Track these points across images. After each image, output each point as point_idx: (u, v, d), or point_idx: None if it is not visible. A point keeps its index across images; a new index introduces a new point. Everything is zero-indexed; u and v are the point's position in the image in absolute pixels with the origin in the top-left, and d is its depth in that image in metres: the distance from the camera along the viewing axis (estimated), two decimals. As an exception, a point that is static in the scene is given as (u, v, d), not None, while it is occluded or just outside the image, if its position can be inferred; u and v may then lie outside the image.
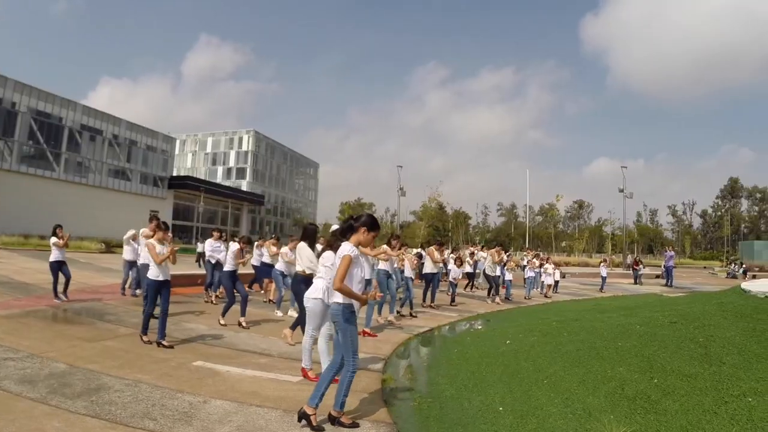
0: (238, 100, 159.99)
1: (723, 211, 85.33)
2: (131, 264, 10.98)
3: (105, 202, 54.57)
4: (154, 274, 6.55)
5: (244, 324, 8.13)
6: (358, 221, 4.22)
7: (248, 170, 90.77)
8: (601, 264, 22.60)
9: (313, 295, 5.23)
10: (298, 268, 6.77)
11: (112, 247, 35.24)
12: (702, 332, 6.36)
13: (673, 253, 25.58)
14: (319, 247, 12.62)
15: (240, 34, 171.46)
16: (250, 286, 13.27)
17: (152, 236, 8.65)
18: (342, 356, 4.09)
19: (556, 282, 18.67)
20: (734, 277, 32.09)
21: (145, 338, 6.51)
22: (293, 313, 9.64)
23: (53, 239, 10.02)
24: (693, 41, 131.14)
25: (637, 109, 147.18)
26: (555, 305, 14.33)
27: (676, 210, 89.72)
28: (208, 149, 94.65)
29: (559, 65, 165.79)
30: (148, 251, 6.60)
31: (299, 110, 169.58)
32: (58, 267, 9.87)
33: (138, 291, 10.73)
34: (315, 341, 5.35)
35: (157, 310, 6.58)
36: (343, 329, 4.08)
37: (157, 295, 6.59)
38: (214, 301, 10.92)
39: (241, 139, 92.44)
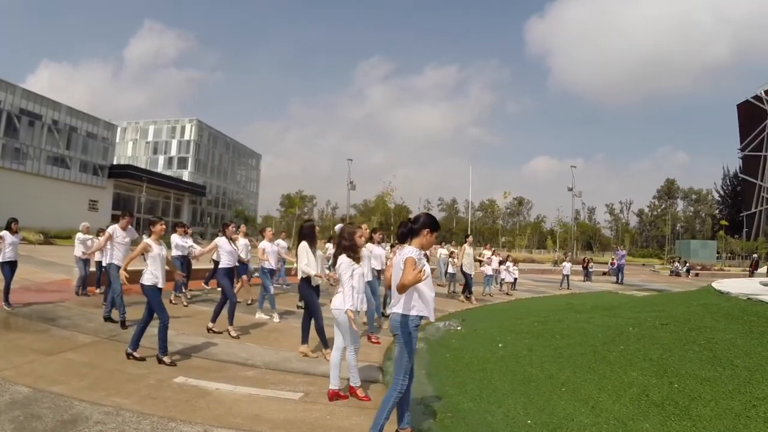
0: (180, 88, 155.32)
1: (660, 210, 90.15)
2: (85, 262, 10.09)
3: (43, 191, 52.18)
4: (152, 279, 5.62)
5: (233, 333, 7.18)
6: (418, 223, 3.78)
7: (190, 160, 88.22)
8: (564, 262, 23.01)
9: (337, 305, 4.72)
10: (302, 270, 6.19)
11: (51, 237, 32.74)
12: (700, 335, 6.32)
13: (624, 252, 26.51)
14: (329, 246, 11.87)
15: (185, 22, 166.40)
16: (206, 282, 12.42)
17: (110, 235, 7.77)
18: (403, 375, 3.66)
19: (515, 279, 18.73)
20: (678, 274, 33.66)
21: (137, 354, 5.49)
22: (262, 316, 8.96)
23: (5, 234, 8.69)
24: (633, 48, 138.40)
25: (576, 111, 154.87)
26: (519, 303, 14.31)
27: (613, 209, 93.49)
28: (150, 138, 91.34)
29: (502, 65, 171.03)
30: (145, 252, 5.65)
31: (242, 101, 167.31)
32: (10, 268, 8.52)
33: (98, 290, 10.11)
34: (343, 355, 4.85)
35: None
36: (402, 344, 3.67)
37: (161, 304, 5.69)
38: (185, 304, 9.86)
39: (183, 128, 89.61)
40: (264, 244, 9.28)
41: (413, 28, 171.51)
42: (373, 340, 7.54)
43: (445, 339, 8.24)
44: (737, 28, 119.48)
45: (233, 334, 7.10)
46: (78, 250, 10.18)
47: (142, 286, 5.59)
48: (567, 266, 21.87)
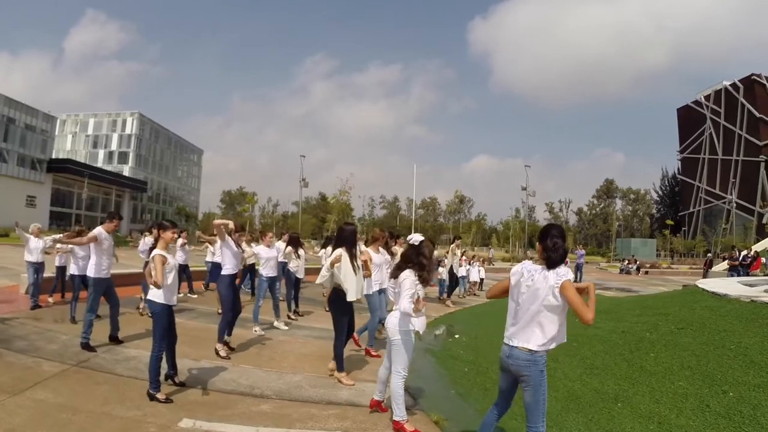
0: (121, 81, 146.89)
1: (599, 210, 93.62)
2: (37, 267, 8.81)
3: (-23, 186, 48.30)
4: (165, 297, 4.62)
5: (222, 353, 6.15)
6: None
7: (131, 155, 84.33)
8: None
9: (404, 326, 4.08)
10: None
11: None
12: (725, 339, 6.22)
13: (584, 251, 26.90)
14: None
15: (127, 12, 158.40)
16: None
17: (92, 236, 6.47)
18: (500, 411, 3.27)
19: (482, 279, 18.53)
20: (628, 273, 34.71)
21: (160, 396, 4.38)
22: (257, 329, 8.03)
23: None
24: (574, 52, 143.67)
25: (517, 111, 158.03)
26: (500, 305, 13.85)
27: (553, 207, 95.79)
28: (90, 131, 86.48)
29: (445, 65, 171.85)
30: (154, 267, 4.47)
31: (183, 95, 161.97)
32: None
33: (50, 299, 9.10)
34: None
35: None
36: (536, 384, 3.05)
37: (171, 324, 4.78)
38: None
39: (124, 122, 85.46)
40: (259, 249, 8.26)
41: (358, 26, 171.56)
42: (373, 353, 6.83)
43: (451, 350, 7.61)
44: (675, 37, 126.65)
45: (222, 353, 6.13)
46: (32, 255, 8.85)
47: (151, 303, 4.60)
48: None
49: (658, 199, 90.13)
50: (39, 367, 5.16)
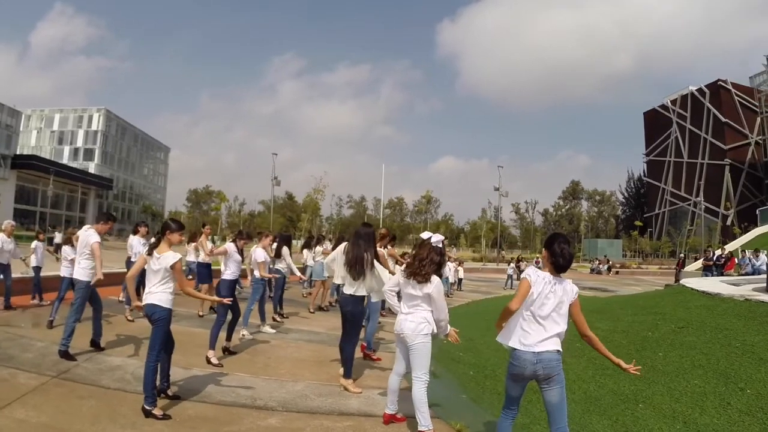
0: (88, 77, 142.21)
1: (564, 210, 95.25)
2: (4, 268, 8.27)
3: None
4: (172, 302, 4.28)
5: (213, 360, 5.70)
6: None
7: (97, 152, 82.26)
8: (511, 263, 23.27)
9: (423, 330, 3.88)
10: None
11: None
12: (729, 337, 6.23)
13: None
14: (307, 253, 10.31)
15: (96, 7, 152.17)
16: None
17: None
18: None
19: (460, 280, 18.58)
20: (599, 272, 35.38)
21: (157, 412, 3.90)
22: (269, 329, 7.83)
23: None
24: (540, 55, 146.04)
25: (483, 113, 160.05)
26: (480, 306, 13.83)
27: (519, 208, 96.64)
28: (55, 127, 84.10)
29: (413, 66, 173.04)
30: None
31: (151, 91, 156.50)
32: None
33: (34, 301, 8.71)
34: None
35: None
36: (563, 383, 3.11)
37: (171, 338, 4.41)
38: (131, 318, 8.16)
39: (90, 118, 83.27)
40: (260, 252, 7.63)
41: (327, 27, 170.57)
42: (373, 357, 6.52)
43: (450, 352, 7.32)
44: (641, 42, 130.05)
45: (214, 361, 5.67)
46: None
47: (159, 308, 4.15)
48: (512, 267, 22.13)
49: (623, 200, 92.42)
50: (15, 380, 4.64)
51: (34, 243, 9.20)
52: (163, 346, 4.15)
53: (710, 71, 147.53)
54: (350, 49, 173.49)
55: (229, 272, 6.43)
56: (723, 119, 64.92)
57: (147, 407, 3.86)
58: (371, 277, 5.02)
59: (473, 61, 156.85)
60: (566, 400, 3.12)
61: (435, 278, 3.90)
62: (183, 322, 8.18)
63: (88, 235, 5.91)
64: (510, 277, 21.23)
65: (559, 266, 3.16)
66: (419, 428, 3.73)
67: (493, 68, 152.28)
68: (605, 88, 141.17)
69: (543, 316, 3.11)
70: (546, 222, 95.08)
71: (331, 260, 5.42)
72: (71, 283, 7.09)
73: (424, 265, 3.91)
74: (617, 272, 36.20)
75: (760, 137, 64.16)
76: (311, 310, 10.28)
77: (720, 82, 66.55)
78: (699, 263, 24.72)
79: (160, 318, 4.14)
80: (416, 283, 3.90)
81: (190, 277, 11.66)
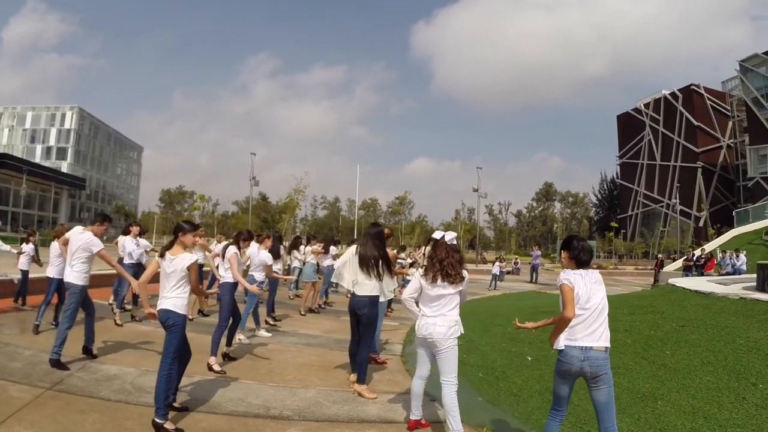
0: (61, 74, 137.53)
1: (538, 212, 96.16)
2: None
3: None
4: (186, 308, 4.09)
5: (216, 368, 5.45)
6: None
7: (70, 150, 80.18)
8: (496, 262, 23.23)
9: (454, 333, 3.84)
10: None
11: None
12: (732, 335, 6.34)
13: (539, 252, 27.39)
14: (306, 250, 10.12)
15: (69, 3, 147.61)
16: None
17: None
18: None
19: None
20: (577, 273, 35.41)
21: (169, 426, 3.67)
22: (263, 333, 7.67)
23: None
24: (513, 58, 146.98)
25: (457, 114, 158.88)
26: (472, 305, 13.66)
27: (492, 209, 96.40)
28: (27, 125, 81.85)
29: (387, 67, 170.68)
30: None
31: (124, 90, 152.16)
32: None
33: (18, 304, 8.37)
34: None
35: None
36: (611, 381, 3.10)
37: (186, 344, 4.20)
38: (120, 323, 7.89)
39: (63, 116, 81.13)
40: (264, 254, 7.42)
41: (303, 27, 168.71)
42: (379, 360, 6.38)
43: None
44: (615, 46, 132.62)
45: (216, 368, 5.38)
46: None
47: (174, 314, 3.93)
48: (497, 267, 22.12)
49: (596, 202, 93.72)
50: (6, 393, 4.29)
51: (24, 245, 8.67)
52: (177, 353, 3.92)
53: (683, 76, 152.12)
54: (325, 50, 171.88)
55: (231, 275, 6.14)
56: (695, 123, 66.45)
57: (158, 420, 3.62)
58: (387, 277, 4.93)
59: (448, 63, 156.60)
60: (615, 400, 3.11)
61: (466, 273, 3.94)
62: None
63: (89, 241, 5.54)
64: (495, 276, 21.19)
65: (581, 261, 3.24)
66: None
67: (468, 70, 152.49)
68: (579, 91, 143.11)
69: (588, 311, 3.11)
70: (519, 223, 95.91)
71: (342, 264, 5.23)
72: (59, 285, 6.79)
73: (452, 264, 3.87)
74: (596, 273, 36.63)
75: (732, 140, 65.88)
76: (302, 313, 10.08)
77: (693, 87, 68.13)
78: (679, 263, 25.23)
79: (174, 324, 3.92)
80: (448, 284, 3.84)
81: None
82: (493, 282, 20.96)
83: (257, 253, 7.25)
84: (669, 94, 71.91)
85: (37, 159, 75.28)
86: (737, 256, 18.08)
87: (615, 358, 6.06)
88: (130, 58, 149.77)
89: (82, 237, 5.58)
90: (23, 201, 58.62)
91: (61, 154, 79.89)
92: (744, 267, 17.55)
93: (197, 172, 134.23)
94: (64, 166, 77.62)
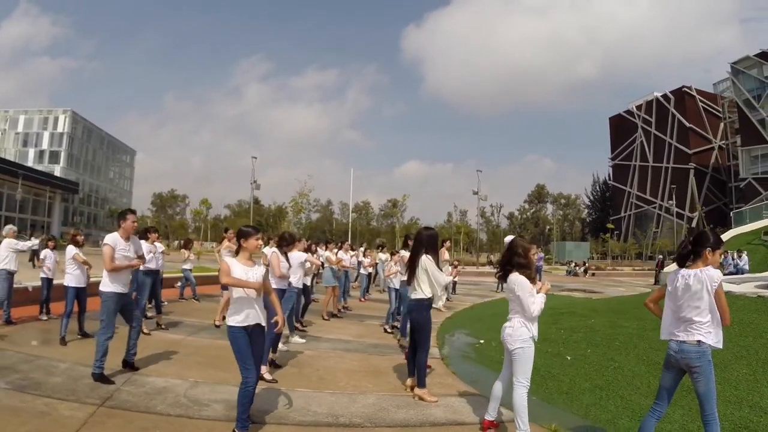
0: (52, 77, 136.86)
1: (530, 214, 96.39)
2: (8, 278, 7.84)
3: None
4: (242, 319, 3.93)
5: (267, 376, 5.36)
6: (702, 243, 3.37)
7: (63, 154, 79.92)
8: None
9: (522, 335, 3.88)
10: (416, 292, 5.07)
11: None
12: (757, 331, 6.72)
13: (542, 254, 27.58)
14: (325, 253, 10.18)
15: (61, 6, 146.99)
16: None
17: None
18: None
19: (455, 283, 18.45)
20: (575, 274, 35.91)
21: None
22: (297, 339, 7.64)
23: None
24: (503, 60, 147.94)
25: (448, 117, 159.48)
26: (488, 307, 13.79)
27: (484, 211, 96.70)
28: (20, 128, 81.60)
29: (379, 70, 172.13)
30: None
31: (116, 93, 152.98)
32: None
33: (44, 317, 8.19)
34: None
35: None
36: (707, 374, 3.28)
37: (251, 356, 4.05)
38: (163, 326, 8.09)
39: (56, 119, 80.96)
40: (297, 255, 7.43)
41: (296, 29, 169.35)
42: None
43: (490, 355, 7.27)
44: (606, 48, 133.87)
45: (267, 377, 5.30)
46: (8, 262, 7.81)
47: (228, 327, 3.92)
48: None
49: (589, 203, 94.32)
50: (56, 412, 4.06)
51: (45, 252, 8.55)
52: (245, 366, 3.84)
53: (674, 78, 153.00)
54: (317, 53, 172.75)
55: (278, 280, 6.17)
56: (687, 124, 67.30)
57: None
58: (438, 281, 5.00)
59: (439, 66, 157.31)
60: (714, 392, 3.27)
61: (511, 276, 3.97)
62: (203, 333, 7.95)
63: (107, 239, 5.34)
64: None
65: (680, 257, 3.49)
66: None
67: (459, 73, 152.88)
68: (570, 94, 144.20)
69: (678, 306, 3.38)
70: (512, 225, 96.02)
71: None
72: (78, 294, 6.92)
73: (501, 265, 4.10)
74: (593, 274, 37.00)
75: (724, 142, 66.81)
76: (325, 317, 10.13)
77: (684, 89, 69.02)
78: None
79: (234, 336, 3.89)
80: (505, 284, 4.03)
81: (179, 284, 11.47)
82: (500, 284, 20.98)
83: (292, 255, 7.28)
84: (661, 96, 72.77)
85: (30, 163, 74.64)
86: (740, 256, 18.37)
87: (655, 355, 6.31)
88: (123, 61, 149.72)
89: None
90: (15, 206, 58.03)
91: (54, 157, 79.46)
92: (746, 267, 17.84)
93: (189, 175, 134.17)
94: (57, 170, 77.15)
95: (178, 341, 7.21)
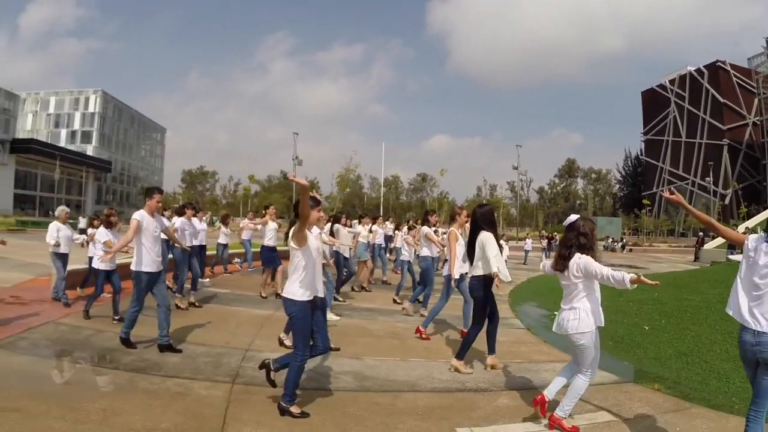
0: (78, 59, 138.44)
1: (560, 188, 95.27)
2: (63, 259, 7.56)
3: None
4: (303, 293, 3.78)
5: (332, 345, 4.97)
6: None
7: (95, 134, 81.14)
8: (527, 239, 24.16)
9: (576, 326, 3.49)
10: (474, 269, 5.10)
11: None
12: None
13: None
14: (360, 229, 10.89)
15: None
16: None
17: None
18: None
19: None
20: (613, 250, 35.96)
21: (294, 410, 3.67)
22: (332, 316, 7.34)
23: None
24: (529, 34, 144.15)
25: (474, 91, 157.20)
26: (542, 282, 13.73)
27: (514, 186, 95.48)
28: (51, 110, 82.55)
29: (405, 44, 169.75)
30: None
31: (141, 72, 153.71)
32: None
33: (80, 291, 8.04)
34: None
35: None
36: None
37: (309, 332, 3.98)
38: (197, 303, 7.84)
39: (87, 100, 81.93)
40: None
41: (320, 4, 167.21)
42: (424, 336, 6.39)
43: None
44: (632, 22, 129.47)
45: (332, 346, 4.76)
46: (62, 245, 7.55)
47: (288, 302, 3.75)
48: (528, 242, 22.59)
49: (620, 179, 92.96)
50: (193, 392, 4.03)
51: (92, 230, 8.05)
52: (304, 342, 3.75)
53: (703, 52, 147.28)
54: (342, 28, 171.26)
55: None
56: (721, 100, 65.54)
57: (284, 405, 3.66)
58: (496, 256, 4.90)
59: (463, 40, 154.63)
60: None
61: (572, 260, 3.54)
62: (248, 303, 8.24)
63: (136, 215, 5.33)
64: (544, 250, 21.64)
65: None
66: (556, 412, 3.58)
67: (484, 47, 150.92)
68: (596, 68, 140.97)
69: (755, 284, 2.81)
70: (542, 200, 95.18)
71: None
72: (108, 276, 6.65)
73: (561, 253, 3.65)
74: (631, 250, 36.90)
75: (758, 118, 64.97)
76: (366, 287, 10.46)
77: (719, 63, 67.01)
78: (719, 240, 25.36)
79: (289, 315, 3.80)
80: (559, 272, 3.65)
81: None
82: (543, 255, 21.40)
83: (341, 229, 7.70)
84: (694, 70, 70.78)
85: (62, 143, 76.30)
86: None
87: (731, 325, 6.38)
88: (147, 40, 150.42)
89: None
90: (50, 185, 59.84)
91: (86, 137, 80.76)
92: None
93: (215, 151, 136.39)
94: (90, 150, 78.65)
95: (235, 312, 7.57)
